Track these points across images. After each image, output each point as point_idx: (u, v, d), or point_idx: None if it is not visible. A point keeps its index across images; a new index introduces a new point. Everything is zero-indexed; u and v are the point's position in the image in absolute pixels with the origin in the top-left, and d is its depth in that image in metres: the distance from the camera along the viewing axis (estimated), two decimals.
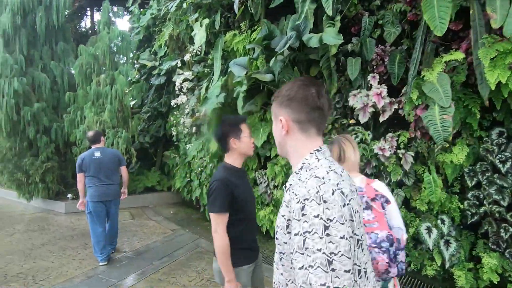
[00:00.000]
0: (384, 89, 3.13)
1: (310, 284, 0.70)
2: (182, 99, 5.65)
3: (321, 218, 0.72)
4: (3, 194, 7.43)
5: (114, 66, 6.29)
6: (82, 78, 6.07)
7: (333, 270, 0.69)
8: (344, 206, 0.76)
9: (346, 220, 0.74)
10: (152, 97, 7.26)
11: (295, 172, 0.89)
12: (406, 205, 3.24)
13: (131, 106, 6.69)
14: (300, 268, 0.73)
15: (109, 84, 6.11)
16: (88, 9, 10.60)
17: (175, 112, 6.22)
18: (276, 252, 0.91)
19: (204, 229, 5.03)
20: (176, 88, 5.78)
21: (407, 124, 3.23)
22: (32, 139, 5.78)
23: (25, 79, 5.66)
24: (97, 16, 11.09)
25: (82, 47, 5.97)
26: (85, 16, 11.06)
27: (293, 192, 0.81)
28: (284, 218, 0.82)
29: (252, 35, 4.31)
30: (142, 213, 6.10)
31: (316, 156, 0.87)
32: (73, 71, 6.34)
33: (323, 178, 0.78)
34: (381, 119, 3.16)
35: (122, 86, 5.98)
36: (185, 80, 5.42)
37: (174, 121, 6.20)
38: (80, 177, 3.73)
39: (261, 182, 4.27)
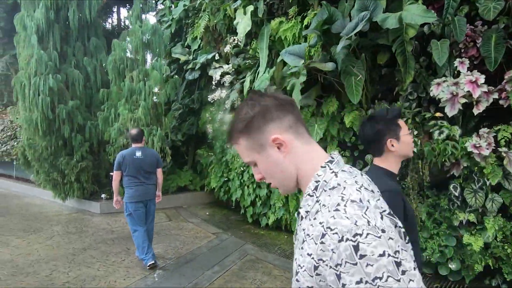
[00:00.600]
0: (480, 76, 2.64)
1: None
2: (220, 94, 5.32)
3: (389, 255, 0.52)
4: (38, 194, 7.41)
5: (147, 61, 6.03)
6: (116, 74, 5.85)
7: None
8: (396, 227, 0.60)
9: (403, 244, 0.58)
10: (183, 93, 6.99)
11: (309, 195, 0.67)
12: (503, 212, 2.75)
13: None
14: None
15: (142, 80, 5.86)
16: (114, 6, 10.48)
17: (210, 108, 5.90)
18: None
19: (248, 233, 4.70)
20: (214, 83, 5.46)
21: (504, 117, 2.73)
22: (67, 138, 5.63)
23: (59, 76, 5.50)
24: (124, 13, 10.98)
25: (116, 42, 5.74)
26: (112, 13, 10.97)
27: (321, 224, 0.59)
28: (312, 258, 0.59)
29: (304, 21, 3.88)
30: (177, 214, 5.85)
31: (330, 169, 0.67)
32: (105, 68, 6.15)
33: (361, 201, 0.59)
34: (476, 111, 2.68)
35: (156, 81, 5.72)
36: (224, 73, 5.07)
37: (210, 118, 5.88)
38: (116, 175, 3.52)
39: None
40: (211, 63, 5.81)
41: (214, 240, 4.37)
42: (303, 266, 0.61)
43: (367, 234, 0.53)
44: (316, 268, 0.58)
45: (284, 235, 4.51)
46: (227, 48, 4.91)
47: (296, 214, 0.74)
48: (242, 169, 4.89)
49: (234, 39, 4.89)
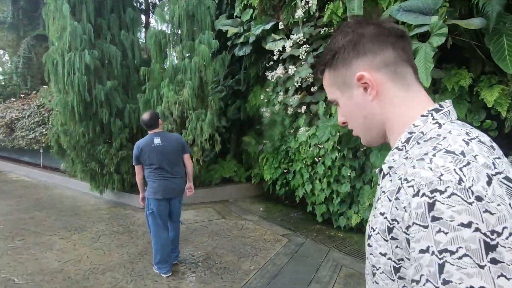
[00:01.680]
0: None
1: None
2: (282, 70, 4.49)
3: (477, 230, 0.37)
4: (68, 184, 6.88)
5: (191, 35, 5.23)
6: (157, 50, 5.09)
7: None
8: None
9: None
10: (225, 73, 6.19)
11: (397, 148, 0.55)
12: None
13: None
14: None
15: (187, 56, 5.09)
16: None
17: (267, 89, 5.09)
18: (369, 263, 0.56)
19: (324, 236, 3.97)
20: (274, 57, 4.63)
21: None
22: (105, 123, 4.96)
23: (95, 52, 4.77)
24: None
25: (158, 12, 4.95)
26: None
27: (400, 178, 0.48)
28: (386, 218, 0.49)
29: None
30: (227, 210, 5.18)
31: (434, 119, 0.52)
32: (141, 44, 5.39)
33: (463, 154, 0.43)
34: None
35: (205, 58, 4.93)
36: (294, 44, 4.21)
37: (266, 99, 5.09)
38: (138, 169, 3.01)
39: None
40: (266, 36, 4.96)
41: (288, 245, 3.66)
42: (376, 228, 0.52)
43: (451, 193, 0.40)
44: (390, 230, 0.48)
45: None
46: (299, 14, 4.03)
47: (377, 171, 0.60)
48: (316, 159, 4.11)
49: (308, 2, 4.00)
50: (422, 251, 0.41)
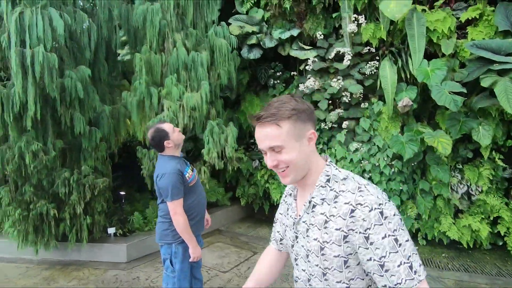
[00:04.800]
0: None
1: (415, 272, 0.77)
2: (314, 81, 4.25)
3: (396, 214, 0.80)
4: None
5: (197, 23, 4.09)
6: (154, 33, 3.64)
7: (415, 249, 0.80)
8: None
9: None
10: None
11: (321, 186, 0.87)
12: None
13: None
14: (399, 266, 0.77)
15: (193, 48, 3.92)
16: None
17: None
18: (306, 271, 0.92)
19: None
20: (308, 68, 4.30)
21: None
22: (75, 135, 3.04)
23: (67, 15, 2.88)
24: None
25: None
26: None
27: (347, 204, 0.81)
28: (341, 231, 0.81)
29: (462, 16, 3.61)
30: (238, 241, 4.30)
31: (334, 167, 0.90)
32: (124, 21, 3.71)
33: (369, 184, 0.85)
34: None
35: (225, 54, 3.96)
36: (339, 54, 4.05)
37: None
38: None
39: (457, 187, 3.73)
40: (285, 42, 4.55)
41: None
42: (330, 240, 0.81)
43: (385, 203, 0.79)
44: (345, 237, 0.80)
45: (435, 247, 4.00)
46: (351, 27, 3.92)
47: (305, 203, 0.89)
48: (358, 174, 4.07)
49: (356, 18, 3.97)
50: (383, 237, 0.77)
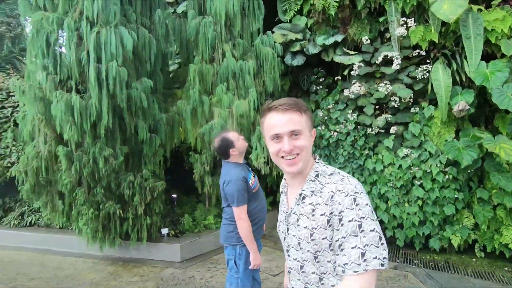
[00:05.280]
0: None
1: (365, 260, 0.80)
2: (360, 87, 4.21)
3: (369, 206, 0.87)
4: (13, 240, 4.16)
5: (240, 33, 4.25)
6: (207, 45, 3.85)
7: (382, 244, 0.83)
8: None
9: None
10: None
11: (311, 180, 0.98)
12: None
13: None
14: (352, 248, 0.82)
15: (240, 58, 4.08)
16: None
17: (328, 107, 4.62)
18: (298, 260, 1.00)
19: (426, 261, 3.81)
20: (353, 73, 4.29)
21: None
22: (141, 140, 3.29)
23: (134, 33, 3.15)
24: None
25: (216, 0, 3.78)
26: None
27: (329, 192, 0.91)
28: (325, 215, 0.90)
29: None
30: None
31: (322, 164, 1.01)
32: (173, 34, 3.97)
33: (352, 177, 0.95)
34: None
35: (271, 62, 4.08)
36: (387, 58, 3.99)
37: (328, 120, 4.61)
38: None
39: None
40: (329, 48, 4.57)
41: (398, 278, 3.31)
42: (318, 226, 0.91)
43: (361, 192, 0.89)
44: (329, 221, 0.89)
45: (495, 260, 3.71)
46: (399, 31, 3.87)
47: (296, 197, 1.01)
48: (399, 184, 3.95)
49: (404, 22, 3.91)
50: (349, 221, 0.83)
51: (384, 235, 4.23)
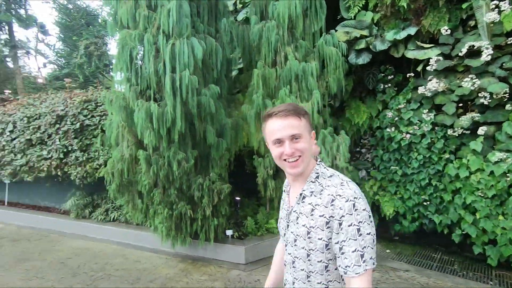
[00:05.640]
0: None
1: (364, 261, 0.90)
2: (438, 83, 3.75)
3: (366, 210, 0.93)
4: (88, 232, 4.78)
5: (304, 34, 4.16)
6: (270, 48, 3.86)
7: (375, 245, 0.93)
8: None
9: None
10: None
11: (311, 181, 1.03)
12: None
13: None
14: (353, 252, 0.91)
15: (301, 60, 3.98)
16: None
17: (399, 106, 4.25)
18: (292, 255, 1.07)
19: None
20: (429, 68, 3.87)
21: None
22: (209, 144, 3.44)
23: (203, 43, 3.31)
24: None
25: (280, 2, 3.77)
26: None
27: (329, 195, 0.97)
28: (324, 217, 0.96)
29: None
30: None
31: (323, 166, 1.06)
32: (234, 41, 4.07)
33: (351, 181, 1.00)
34: None
35: (335, 62, 3.91)
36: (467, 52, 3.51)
37: (395, 117, 4.24)
38: None
39: None
40: (398, 43, 4.21)
41: None
42: (315, 225, 0.97)
43: (359, 198, 0.94)
44: (327, 223, 0.95)
45: None
46: (490, 16, 3.38)
47: (296, 196, 1.06)
48: (503, 189, 3.38)
49: (497, 6, 3.40)
50: (349, 225, 0.92)
51: (470, 251, 3.73)
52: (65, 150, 4.93)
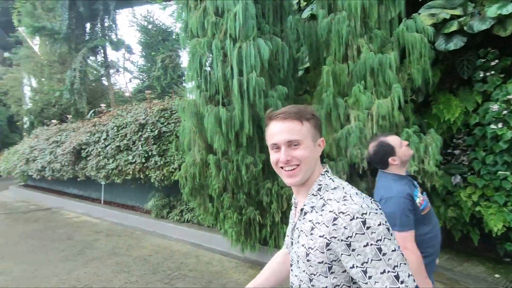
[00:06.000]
0: None
1: (402, 281, 0.78)
2: None
3: (383, 224, 0.81)
4: (169, 231, 5.14)
5: (379, 23, 3.71)
6: (341, 42, 3.55)
7: (406, 259, 0.82)
8: None
9: None
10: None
11: (313, 194, 0.92)
12: None
13: None
14: (382, 273, 0.78)
15: (377, 51, 3.54)
16: None
17: (508, 96, 3.46)
18: (298, 277, 0.95)
19: None
20: None
21: None
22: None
23: (269, 43, 3.20)
24: None
25: None
26: None
27: (331, 212, 0.85)
28: (324, 238, 0.84)
29: None
30: (445, 280, 3.39)
31: (328, 176, 0.94)
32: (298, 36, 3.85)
33: (357, 193, 0.88)
34: None
35: (419, 50, 3.37)
36: None
37: (508, 116, 3.45)
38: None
39: None
40: (505, 20, 3.42)
41: None
42: (314, 247, 0.86)
43: (369, 213, 0.82)
44: (328, 244, 0.84)
45: None
46: None
47: (298, 211, 0.96)
48: None
49: None
50: (365, 246, 0.79)
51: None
52: (146, 155, 5.42)
